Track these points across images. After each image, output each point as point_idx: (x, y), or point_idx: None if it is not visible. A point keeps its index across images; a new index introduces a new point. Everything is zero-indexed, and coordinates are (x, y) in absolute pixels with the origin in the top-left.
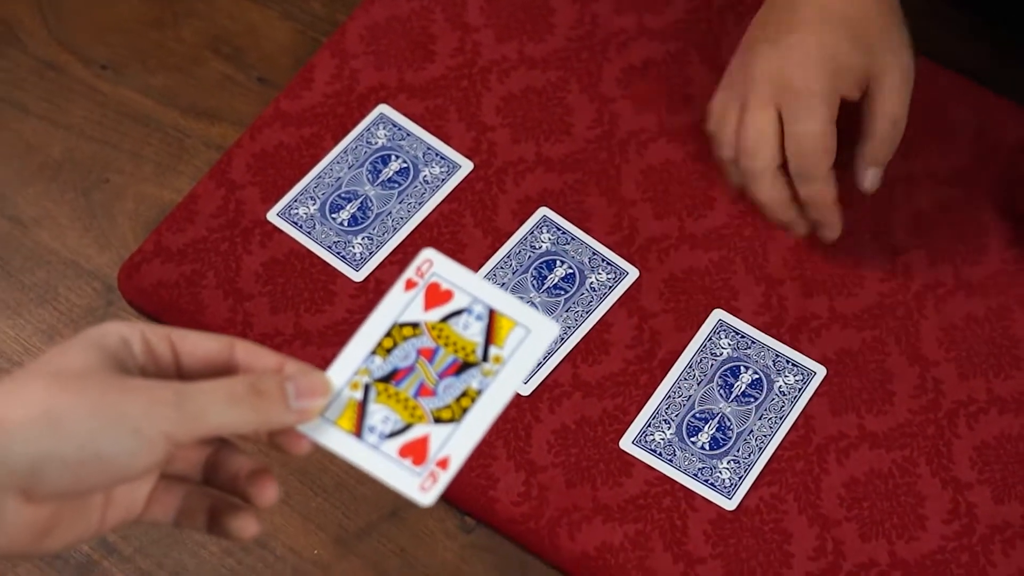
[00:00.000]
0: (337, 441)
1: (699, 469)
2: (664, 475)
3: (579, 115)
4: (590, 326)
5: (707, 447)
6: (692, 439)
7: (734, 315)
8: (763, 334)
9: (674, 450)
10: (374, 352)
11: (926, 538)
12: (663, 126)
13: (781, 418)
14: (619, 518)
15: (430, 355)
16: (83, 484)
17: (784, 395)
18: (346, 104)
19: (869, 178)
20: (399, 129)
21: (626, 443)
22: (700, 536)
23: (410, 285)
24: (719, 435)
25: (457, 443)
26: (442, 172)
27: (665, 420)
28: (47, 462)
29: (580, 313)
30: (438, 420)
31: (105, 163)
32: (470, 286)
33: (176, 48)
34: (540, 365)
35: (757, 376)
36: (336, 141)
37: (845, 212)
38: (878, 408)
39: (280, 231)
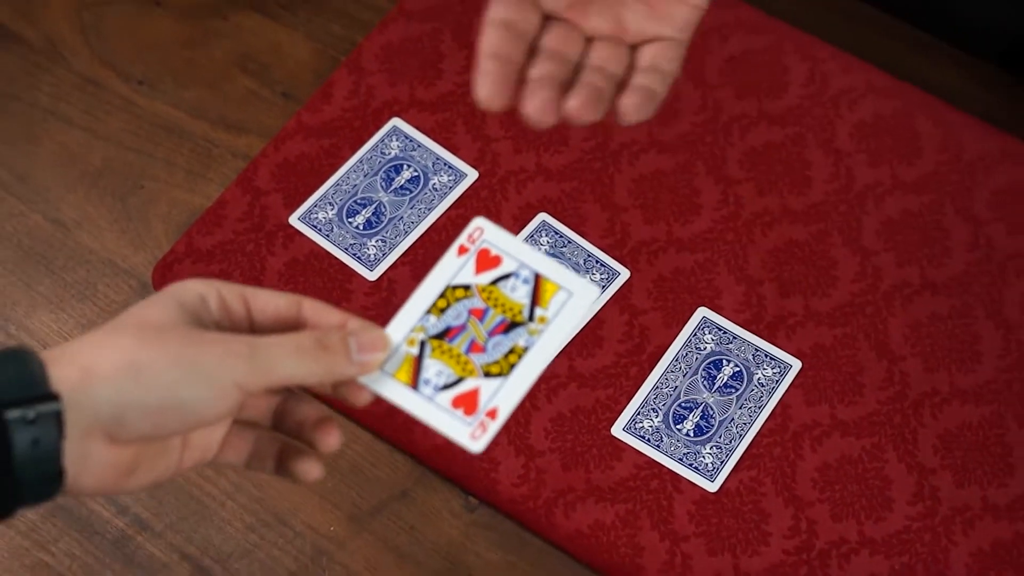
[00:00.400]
0: (395, 392)
1: (684, 454)
2: (652, 459)
3: (575, 127)
4: (584, 322)
5: (691, 434)
6: (678, 426)
7: (717, 312)
8: (743, 330)
9: (661, 436)
10: (429, 312)
11: (892, 518)
12: (653, 138)
13: (760, 408)
14: (610, 499)
15: (480, 315)
16: (163, 429)
17: (763, 386)
18: (362, 118)
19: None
20: (411, 141)
21: (617, 430)
22: (685, 516)
23: (462, 251)
24: (703, 423)
25: (505, 395)
26: (450, 180)
27: (653, 409)
28: (130, 409)
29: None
30: (487, 374)
31: (141, 171)
32: (518, 252)
33: (206, 65)
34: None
35: (738, 369)
36: (353, 151)
37: (821, 222)
38: (849, 399)
39: (301, 234)
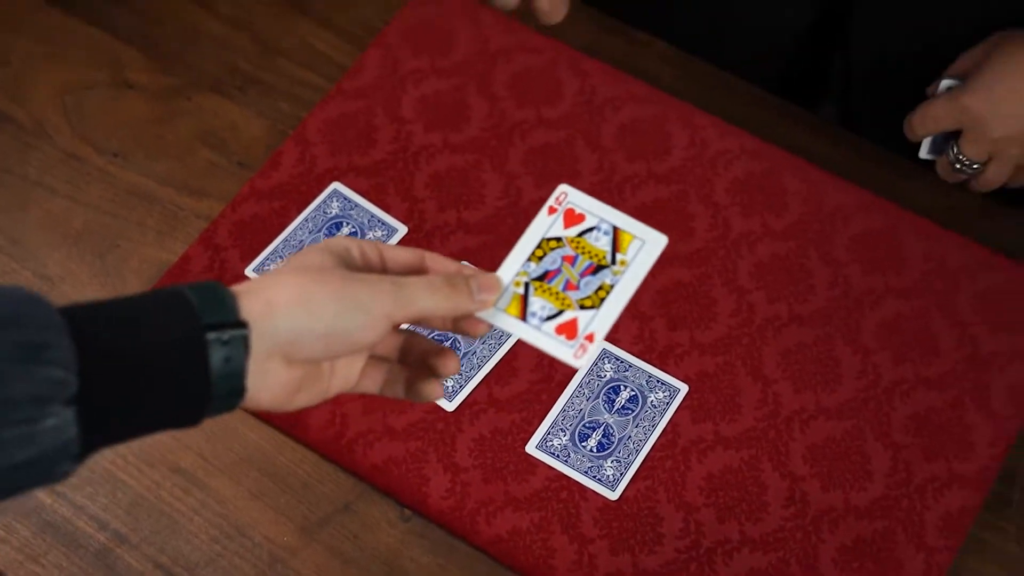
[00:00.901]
0: (508, 323)
1: (588, 467)
2: (561, 473)
3: (490, 188)
4: (500, 356)
5: (595, 450)
6: (583, 444)
7: (615, 345)
8: (638, 359)
9: (569, 452)
10: (529, 259)
11: (768, 519)
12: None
13: (653, 426)
14: (526, 508)
15: (571, 261)
16: (328, 351)
17: (655, 408)
18: (307, 182)
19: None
20: (349, 201)
21: (531, 448)
22: (590, 521)
23: (551, 211)
24: (604, 440)
25: (598, 322)
26: (383, 234)
27: (561, 429)
28: (303, 334)
29: (493, 345)
30: (582, 307)
31: (116, 232)
32: (598, 211)
33: (173, 140)
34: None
35: (634, 393)
36: (299, 212)
37: (702, 266)
38: (730, 417)
39: None
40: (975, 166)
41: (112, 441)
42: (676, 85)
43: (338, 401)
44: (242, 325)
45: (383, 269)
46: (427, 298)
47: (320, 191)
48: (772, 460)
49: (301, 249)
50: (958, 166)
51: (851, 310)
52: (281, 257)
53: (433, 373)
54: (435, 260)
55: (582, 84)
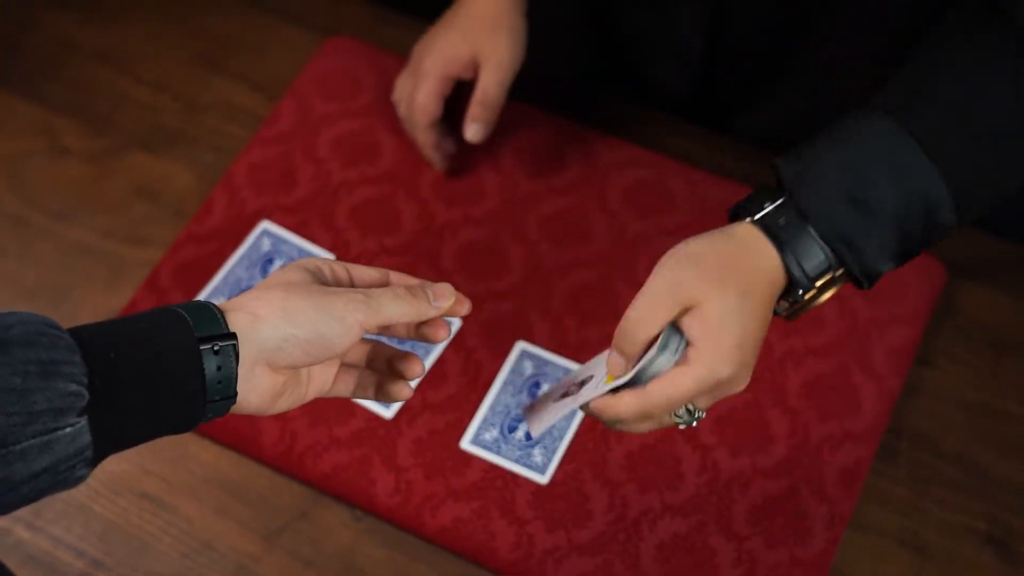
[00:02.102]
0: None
1: (519, 456)
2: (494, 464)
3: (406, 215)
4: (431, 363)
5: (523, 440)
6: (512, 435)
7: (533, 344)
8: (555, 355)
9: (500, 445)
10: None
11: (685, 487)
12: (468, 217)
13: (574, 413)
14: (466, 499)
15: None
16: (308, 357)
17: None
18: (238, 224)
19: (471, 130)
20: (278, 238)
21: (465, 444)
22: (525, 505)
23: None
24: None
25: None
26: None
27: (491, 424)
28: (286, 341)
29: (422, 355)
30: None
31: (67, 285)
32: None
33: (111, 196)
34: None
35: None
36: (234, 251)
37: (605, 267)
38: None
39: None
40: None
41: (121, 446)
42: (563, 106)
43: (287, 418)
44: (231, 336)
45: (351, 284)
46: (393, 306)
47: (251, 230)
48: (683, 435)
49: (281, 267)
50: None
51: None
52: (222, 294)
53: (400, 376)
54: (399, 277)
55: None
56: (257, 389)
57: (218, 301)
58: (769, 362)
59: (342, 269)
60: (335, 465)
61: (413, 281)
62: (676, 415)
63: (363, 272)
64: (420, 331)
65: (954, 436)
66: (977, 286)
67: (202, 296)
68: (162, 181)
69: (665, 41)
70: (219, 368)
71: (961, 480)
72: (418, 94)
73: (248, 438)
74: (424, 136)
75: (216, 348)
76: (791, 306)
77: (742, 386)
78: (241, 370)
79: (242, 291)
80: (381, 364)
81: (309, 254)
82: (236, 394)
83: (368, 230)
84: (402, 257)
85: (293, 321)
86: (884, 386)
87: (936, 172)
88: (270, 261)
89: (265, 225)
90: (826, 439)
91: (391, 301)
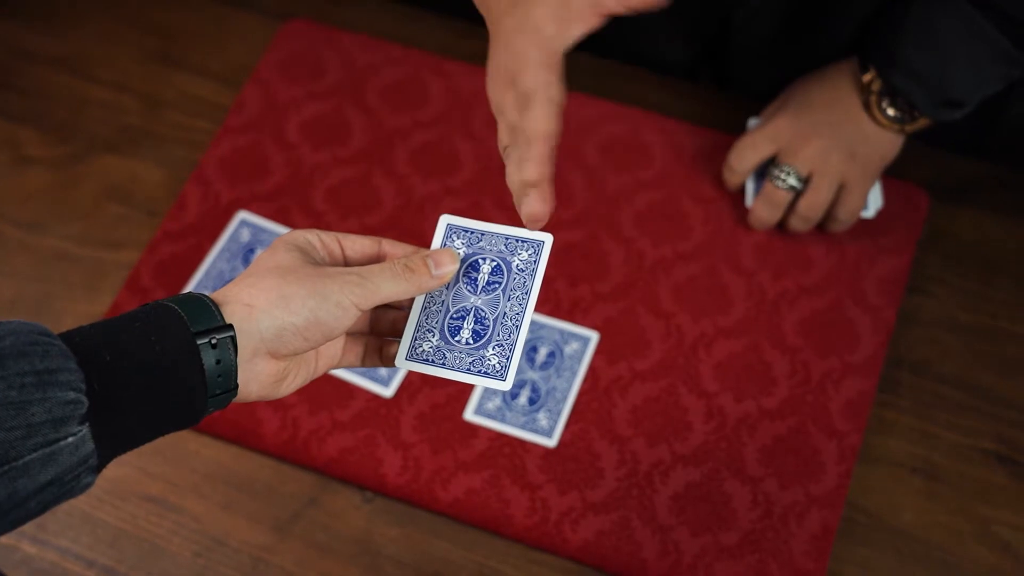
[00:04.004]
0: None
1: (524, 422)
2: (500, 432)
3: (384, 191)
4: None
5: (527, 405)
6: (515, 402)
7: None
8: (549, 317)
9: (504, 413)
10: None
11: (693, 437)
12: (447, 188)
13: (574, 374)
14: (476, 469)
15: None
16: (308, 343)
17: (573, 358)
18: (215, 217)
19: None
20: (257, 227)
21: (469, 415)
22: (536, 469)
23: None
24: (533, 395)
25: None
26: None
27: (494, 392)
28: (285, 329)
29: None
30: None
31: (46, 294)
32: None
33: (81, 201)
34: (396, 372)
35: (551, 348)
36: (212, 245)
37: (587, 226)
38: (641, 354)
39: None
40: (799, 183)
41: (125, 448)
42: None
43: (286, 406)
44: (228, 328)
45: (343, 258)
46: (391, 285)
47: (228, 222)
48: (686, 384)
49: (267, 248)
50: (781, 181)
51: (728, 240)
52: (206, 288)
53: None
54: (392, 245)
55: (447, 84)
56: (259, 378)
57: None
58: (763, 304)
59: (333, 241)
60: (340, 449)
61: (408, 249)
62: (775, 177)
63: (355, 242)
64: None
65: (953, 360)
66: (959, 209)
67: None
68: (132, 182)
69: (676, 22)
70: (218, 362)
71: (965, 402)
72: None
73: (249, 430)
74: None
75: (214, 341)
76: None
77: (811, 144)
78: (241, 362)
79: (227, 283)
80: (385, 327)
81: None
82: (237, 386)
83: (348, 211)
84: (385, 235)
85: (289, 309)
86: (879, 317)
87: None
88: (251, 251)
89: (243, 215)
90: (827, 375)
91: (388, 280)
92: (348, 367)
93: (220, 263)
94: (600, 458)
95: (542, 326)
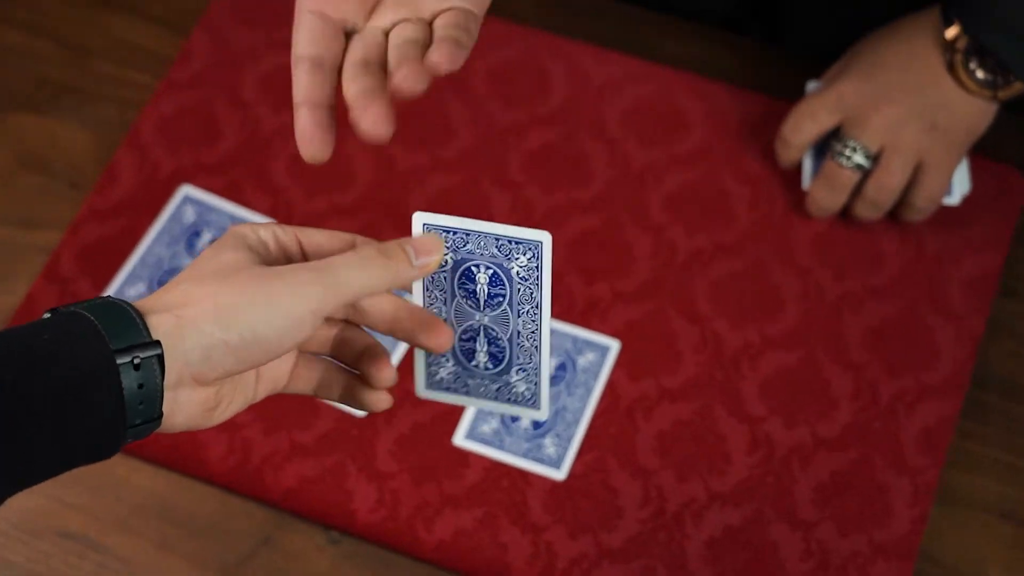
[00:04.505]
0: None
1: (527, 449)
2: (498, 461)
3: (359, 163)
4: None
5: (530, 429)
6: (516, 424)
7: None
8: (559, 321)
9: (502, 437)
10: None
11: (733, 470)
12: (437, 161)
13: (589, 391)
14: (466, 505)
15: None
16: (244, 363)
17: (587, 371)
18: (152, 192)
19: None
20: (204, 205)
21: (459, 439)
22: (539, 507)
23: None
24: None
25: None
26: None
27: (489, 413)
28: (215, 349)
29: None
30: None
31: None
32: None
33: None
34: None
35: (561, 360)
36: (150, 225)
37: (608, 209)
38: (670, 367)
39: None
40: (867, 161)
41: (27, 484)
42: (539, 17)
43: (235, 426)
44: (155, 345)
45: (301, 255)
46: (359, 275)
47: (169, 198)
48: (725, 405)
49: (213, 243)
50: (845, 158)
51: (779, 230)
52: (141, 280)
53: (366, 383)
54: (366, 244)
55: None
56: (184, 408)
57: (137, 289)
58: (821, 309)
59: (290, 238)
60: (300, 478)
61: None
62: (839, 153)
63: (320, 241)
64: (415, 336)
65: None
66: None
67: (117, 284)
68: (51, 146)
69: None
70: (141, 385)
71: None
72: None
73: (188, 455)
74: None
75: (136, 360)
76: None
77: (881, 113)
78: (165, 387)
79: (166, 274)
80: (350, 355)
81: (244, 221)
82: (161, 415)
83: (314, 188)
84: (358, 217)
85: (223, 323)
86: (963, 327)
87: None
88: (196, 234)
89: (186, 190)
90: (899, 397)
91: (356, 270)
92: (297, 393)
93: (158, 248)
94: (619, 494)
95: (551, 331)
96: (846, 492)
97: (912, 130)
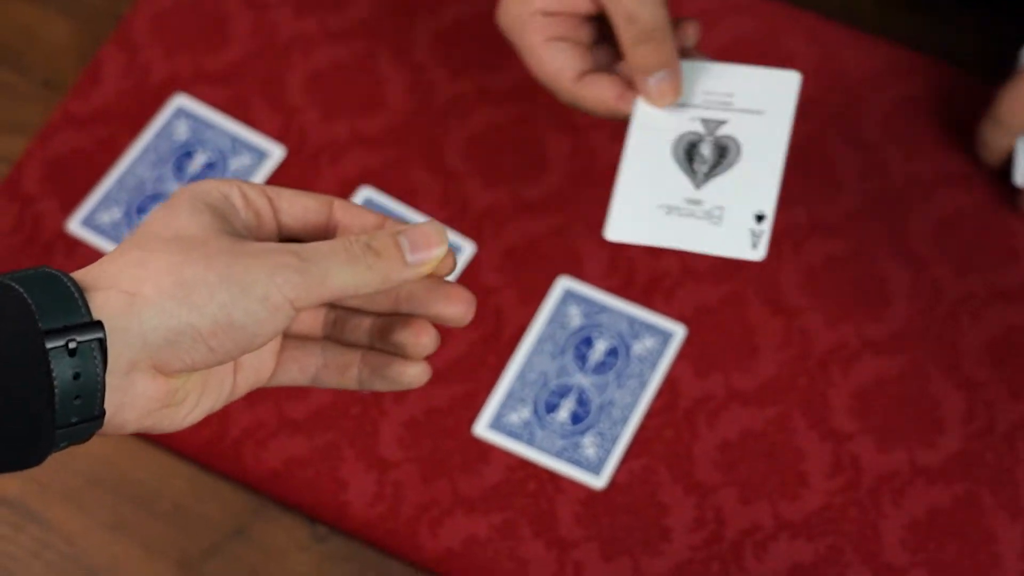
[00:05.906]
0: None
1: (561, 448)
2: (525, 458)
3: (392, 86)
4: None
5: (568, 424)
6: (551, 416)
7: (581, 280)
8: (614, 297)
9: (533, 430)
10: None
11: (810, 496)
12: (483, 90)
13: (643, 385)
14: (482, 509)
15: None
16: (214, 354)
17: (643, 360)
18: (140, 99)
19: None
20: (200, 121)
21: (481, 429)
22: (571, 518)
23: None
24: (579, 410)
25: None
26: (252, 162)
27: (520, 400)
28: (181, 332)
29: None
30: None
31: None
32: None
33: None
34: None
35: (613, 344)
36: (133, 139)
37: None
38: (744, 364)
39: (83, 243)
40: None
41: None
42: None
43: None
44: (95, 327)
45: (277, 225)
46: (344, 272)
47: (160, 109)
48: (807, 416)
49: (164, 203)
50: None
51: (893, 207)
52: (117, 203)
53: (400, 353)
54: (348, 211)
55: None
56: (137, 402)
57: (111, 214)
58: (936, 310)
59: (262, 199)
60: (287, 459)
61: (373, 220)
62: None
63: (294, 202)
64: (430, 306)
65: None
66: None
67: (88, 207)
68: (23, 36)
69: None
70: (76, 375)
71: None
72: None
73: None
74: None
75: (72, 345)
76: None
77: None
78: (111, 378)
79: (148, 199)
80: (359, 334)
81: (246, 146)
82: (103, 413)
83: (335, 110)
84: (384, 151)
85: (190, 303)
86: None
87: None
88: (188, 155)
89: (180, 101)
90: (1021, 426)
91: (341, 266)
92: (290, 384)
93: (141, 168)
94: (668, 512)
95: (603, 308)
96: (946, 535)
97: None
